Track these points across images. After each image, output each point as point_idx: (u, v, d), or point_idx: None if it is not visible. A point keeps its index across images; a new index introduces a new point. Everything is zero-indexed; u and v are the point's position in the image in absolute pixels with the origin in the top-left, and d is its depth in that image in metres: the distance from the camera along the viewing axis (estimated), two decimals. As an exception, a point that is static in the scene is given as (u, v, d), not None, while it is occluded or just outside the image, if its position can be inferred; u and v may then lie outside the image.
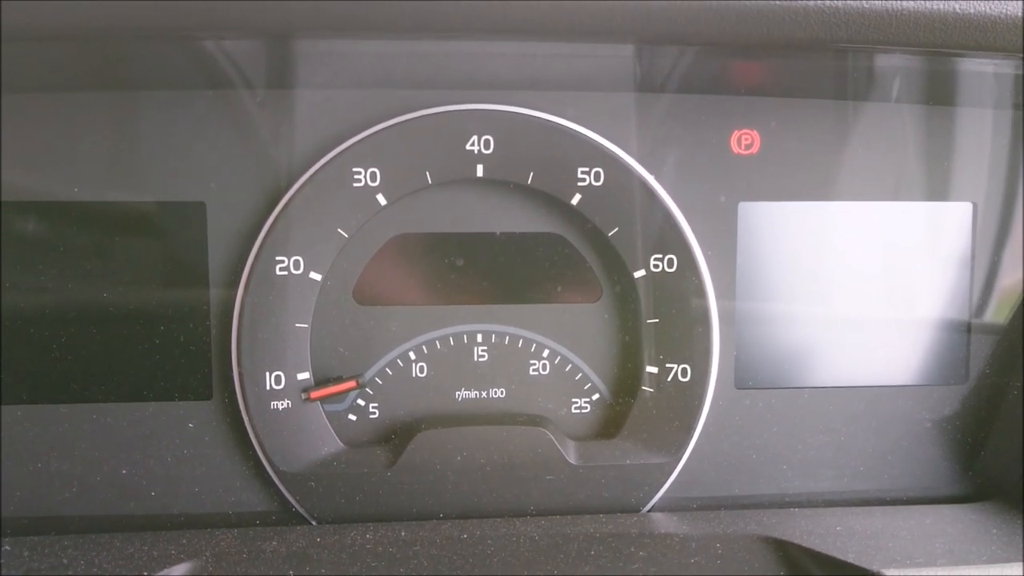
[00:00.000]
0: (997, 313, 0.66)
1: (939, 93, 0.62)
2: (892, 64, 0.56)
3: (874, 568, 0.49)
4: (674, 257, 0.61)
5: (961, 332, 0.66)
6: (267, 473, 0.60)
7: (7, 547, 0.54)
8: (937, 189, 0.64)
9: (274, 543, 0.55)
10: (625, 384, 0.64)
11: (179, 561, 0.52)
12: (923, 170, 0.64)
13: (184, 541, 0.55)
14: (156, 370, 0.60)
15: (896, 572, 0.48)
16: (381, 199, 0.59)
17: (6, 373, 0.59)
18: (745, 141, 0.62)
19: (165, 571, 0.51)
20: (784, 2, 0.46)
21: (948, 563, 0.51)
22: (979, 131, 0.64)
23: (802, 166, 0.63)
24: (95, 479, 0.60)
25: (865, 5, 0.47)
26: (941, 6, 0.47)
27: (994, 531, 0.58)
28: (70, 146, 0.58)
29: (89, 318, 0.59)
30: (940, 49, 0.49)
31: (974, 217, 0.65)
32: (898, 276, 0.65)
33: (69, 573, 0.50)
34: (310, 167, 0.58)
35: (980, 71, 0.57)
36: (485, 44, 0.55)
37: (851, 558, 0.52)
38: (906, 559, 0.52)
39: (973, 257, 0.65)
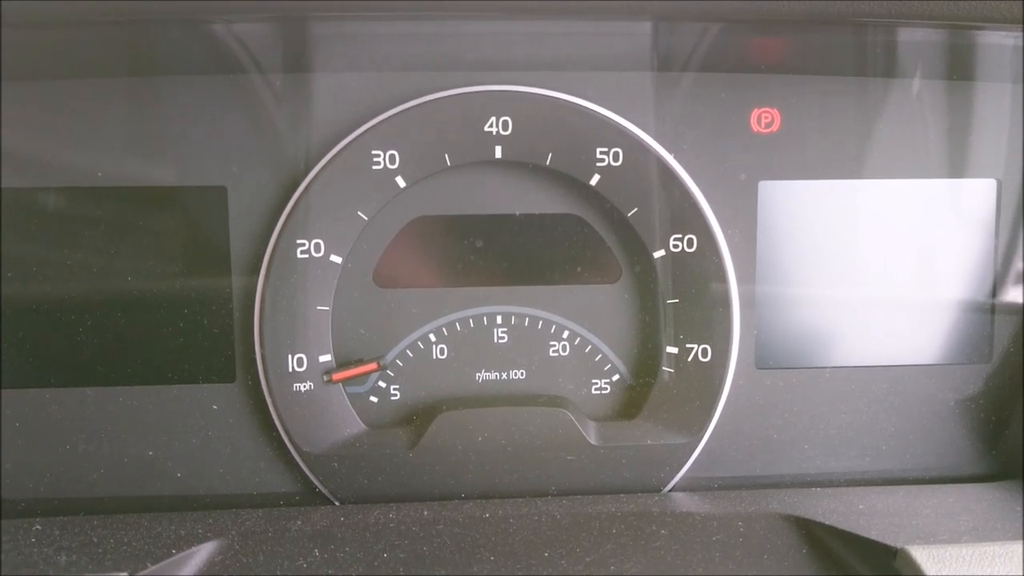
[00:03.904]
0: (1022, 291, 0.65)
1: (960, 68, 0.61)
2: (912, 39, 0.56)
3: (898, 545, 0.49)
4: (694, 237, 0.61)
5: (985, 311, 0.65)
6: (290, 454, 0.61)
7: (38, 527, 0.55)
8: (960, 166, 0.63)
9: (299, 523, 0.56)
10: (645, 365, 0.64)
11: (206, 540, 0.53)
12: (946, 147, 0.63)
13: (210, 520, 0.56)
14: (180, 353, 0.61)
15: (920, 549, 0.48)
16: (400, 182, 0.59)
17: (33, 357, 0.60)
18: (765, 119, 0.62)
19: (193, 549, 0.52)
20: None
21: (973, 540, 0.51)
22: (1002, 106, 0.63)
23: (823, 144, 0.62)
24: (121, 461, 0.61)
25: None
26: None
27: (1019, 509, 0.57)
28: (93, 131, 0.59)
29: (113, 302, 0.60)
30: (949, 21, 0.48)
31: (998, 194, 0.64)
32: (921, 255, 0.64)
33: (99, 551, 0.51)
34: (330, 150, 0.59)
35: (1000, 44, 0.56)
36: (503, 24, 0.55)
37: (874, 535, 0.51)
38: (930, 536, 0.51)
39: (997, 235, 0.64)
